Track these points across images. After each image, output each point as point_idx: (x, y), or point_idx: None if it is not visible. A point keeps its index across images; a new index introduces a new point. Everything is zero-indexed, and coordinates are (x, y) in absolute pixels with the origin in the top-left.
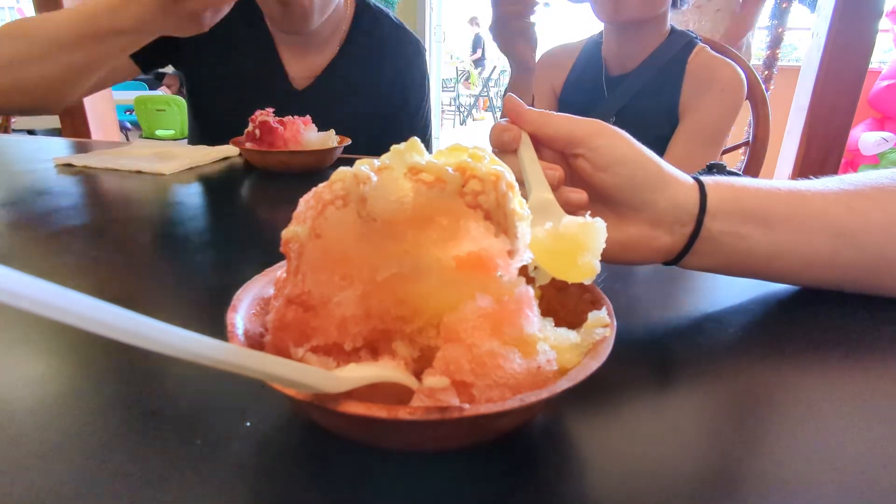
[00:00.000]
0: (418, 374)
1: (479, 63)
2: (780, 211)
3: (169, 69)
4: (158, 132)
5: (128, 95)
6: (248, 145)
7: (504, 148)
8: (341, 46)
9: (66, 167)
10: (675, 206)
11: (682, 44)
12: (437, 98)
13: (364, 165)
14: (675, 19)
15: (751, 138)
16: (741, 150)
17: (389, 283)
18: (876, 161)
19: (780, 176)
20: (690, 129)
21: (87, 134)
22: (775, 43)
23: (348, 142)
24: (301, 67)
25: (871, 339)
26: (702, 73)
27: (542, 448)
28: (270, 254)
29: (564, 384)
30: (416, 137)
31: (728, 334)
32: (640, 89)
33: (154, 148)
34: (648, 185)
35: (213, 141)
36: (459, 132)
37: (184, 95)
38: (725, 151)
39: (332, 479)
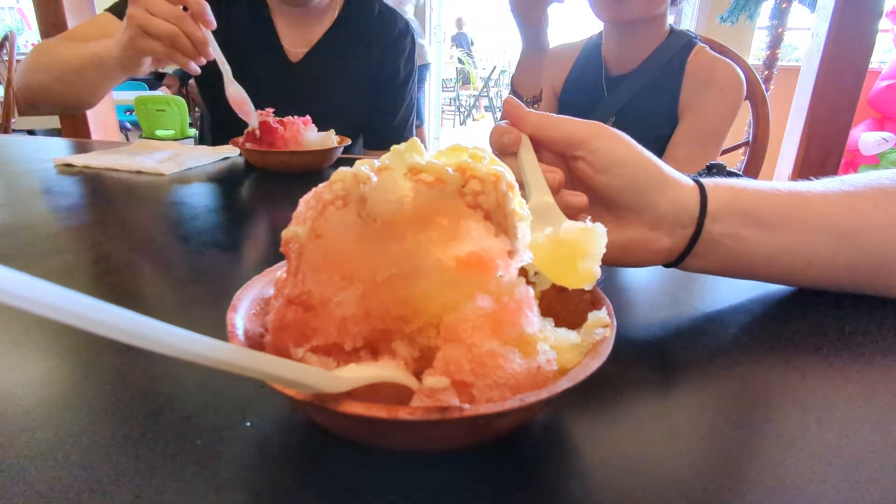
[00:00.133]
0: (418, 375)
1: (460, 42)
2: (780, 212)
3: (169, 69)
4: (158, 132)
5: (128, 95)
6: (248, 145)
7: (504, 150)
8: (335, 21)
9: (66, 167)
10: (675, 209)
11: (681, 44)
12: (437, 98)
13: (364, 166)
14: None
15: (751, 138)
16: (741, 150)
17: (389, 283)
18: (876, 161)
19: (780, 176)
20: (690, 130)
21: (87, 134)
22: (775, 43)
23: (348, 142)
24: (296, 40)
25: (872, 340)
26: (701, 73)
27: (542, 448)
28: (270, 254)
29: (564, 384)
30: (415, 138)
31: (728, 334)
32: (639, 89)
33: (154, 148)
34: (649, 187)
35: (223, 118)
36: (459, 132)
37: (184, 95)
38: (725, 151)
39: (333, 479)
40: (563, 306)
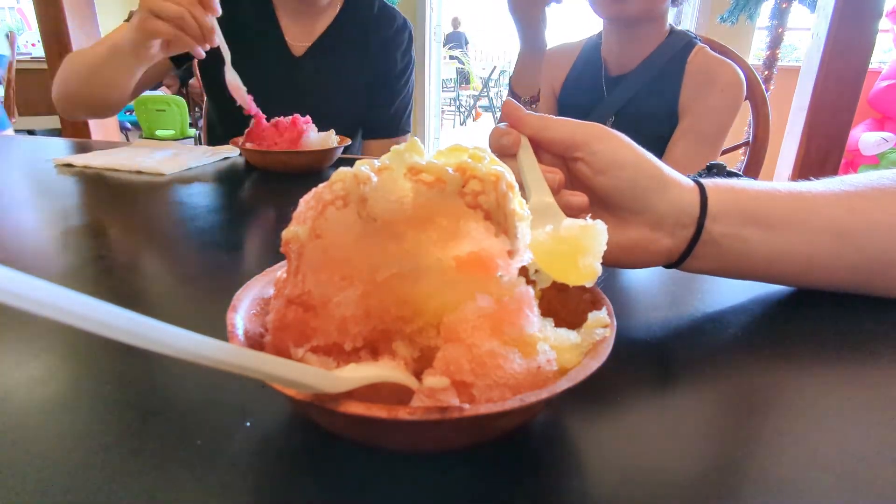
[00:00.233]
0: (418, 375)
1: (456, 41)
2: (780, 213)
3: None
4: (158, 132)
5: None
6: (249, 145)
7: (503, 152)
8: (336, 17)
9: (66, 167)
10: (675, 209)
11: (681, 44)
12: (437, 98)
13: (364, 166)
14: None
15: (751, 138)
16: (741, 150)
17: (389, 283)
18: (876, 161)
19: (780, 176)
20: (690, 130)
21: (87, 134)
22: (775, 43)
23: (348, 142)
24: (299, 34)
25: (872, 339)
26: (701, 73)
27: (542, 448)
28: (270, 254)
29: (564, 384)
30: (416, 138)
31: (728, 334)
32: (639, 89)
33: (154, 148)
34: (649, 188)
35: (226, 110)
36: (459, 132)
37: (184, 95)
38: (725, 151)
39: (332, 479)
40: (563, 306)
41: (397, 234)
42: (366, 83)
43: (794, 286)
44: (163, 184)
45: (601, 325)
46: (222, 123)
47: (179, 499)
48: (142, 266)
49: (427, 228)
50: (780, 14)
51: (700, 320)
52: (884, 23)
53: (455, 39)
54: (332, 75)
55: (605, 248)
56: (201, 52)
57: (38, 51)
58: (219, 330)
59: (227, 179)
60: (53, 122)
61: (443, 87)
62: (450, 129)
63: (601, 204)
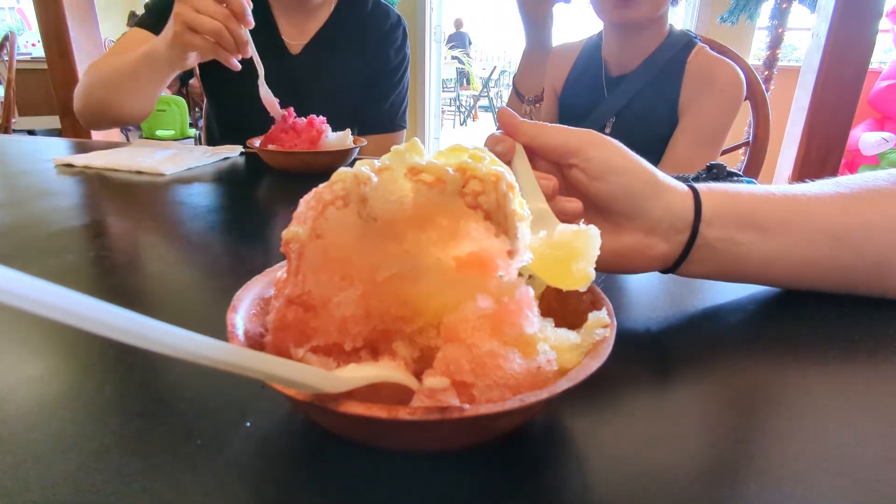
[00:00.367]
0: (418, 375)
1: (459, 42)
2: (775, 216)
3: None
4: (158, 132)
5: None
6: (272, 147)
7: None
8: (331, 15)
9: (66, 167)
10: (670, 214)
11: (681, 44)
12: (437, 98)
13: (364, 166)
14: None
15: (751, 138)
16: (741, 151)
17: (390, 283)
18: (876, 161)
19: (780, 176)
20: (690, 130)
21: (87, 134)
22: (775, 43)
23: (364, 142)
24: (294, 33)
25: (871, 339)
26: (701, 73)
27: (542, 448)
28: (270, 254)
29: (564, 384)
30: (416, 138)
31: (728, 334)
32: (639, 89)
33: (154, 148)
34: (643, 193)
35: (226, 112)
36: (459, 132)
37: (184, 95)
38: (725, 151)
39: (332, 479)
40: (563, 306)
41: (397, 235)
42: (361, 80)
43: (791, 289)
44: (163, 184)
45: (601, 325)
46: (221, 124)
47: (179, 499)
48: (142, 266)
49: (427, 228)
50: (780, 14)
51: (700, 320)
52: (884, 23)
53: (458, 40)
54: (328, 72)
55: (598, 252)
56: (237, 65)
57: (39, 51)
58: (219, 330)
59: (227, 179)
60: (53, 122)
61: (443, 88)
62: (450, 129)
63: (596, 210)
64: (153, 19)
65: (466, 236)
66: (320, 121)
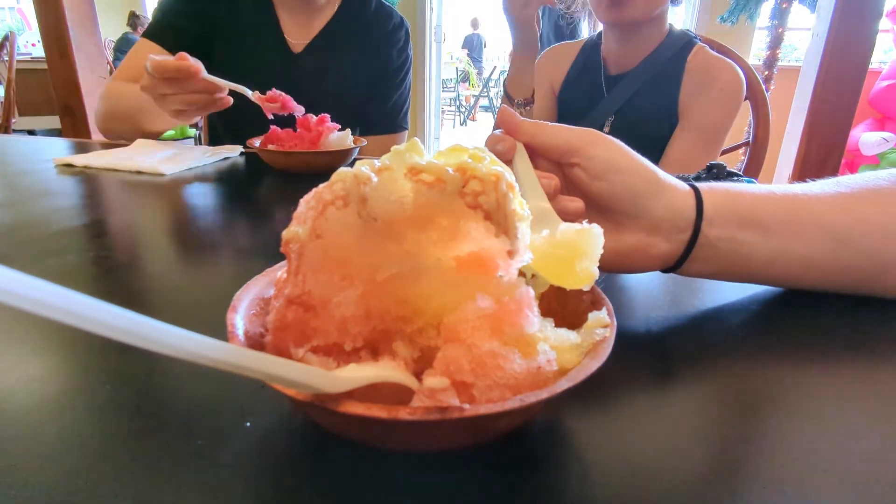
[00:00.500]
0: (418, 375)
1: (471, 44)
2: (776, 215)
3: None
4: None
5: None
6: (272, 147)
7: (499, 159)
8: (334, 15)
9: (66, 167)
10: (672, 213)
11: (681, 43)
12: (437, 98)
13: (364, 166)
14: None
15: (751, 138)
16: (741, 151)
17: (390, 283)
18: (876, 161)
19: (780, 176)
20: (690, 129)
21: (87, 134)
22: (775, 43)
23: (364, 142)
24: (298, 31)
25: (872, 338)
26: (701, 72)
27: (542, 448)
28: (270, 254)
29: (564, 384)
30: (416, 138)
31: (728, 334)
32: (639, 89)
33: (154, 148)
34: (645, 192)
35: (225, 111)
36: (459, 132)
37: None
38: (725, 151)
39: (332, 479)
40: (563, 306)
41: (397, 235)
42: (363, 80)
43: (791, 288)
44: (163, 184)
45: (601, 325)
46: (223, 123)
47: (179, 499)
48: (142, 266)
49: (427, 228)
50: (780, 14)
51: (700, 320)
52: (884, 23)
53: (471, 42)
54: (331, 72)
55: (601, 251)
56: (228, 100)
57: (39, 51)
58: (219, 330)
59: (227, 179)
60: (53, 122)
61: (443, 88)
62: (450, 129)
63: (597, 209)
64: (161, 30)
65: (466, 236)
66: (321, 118)
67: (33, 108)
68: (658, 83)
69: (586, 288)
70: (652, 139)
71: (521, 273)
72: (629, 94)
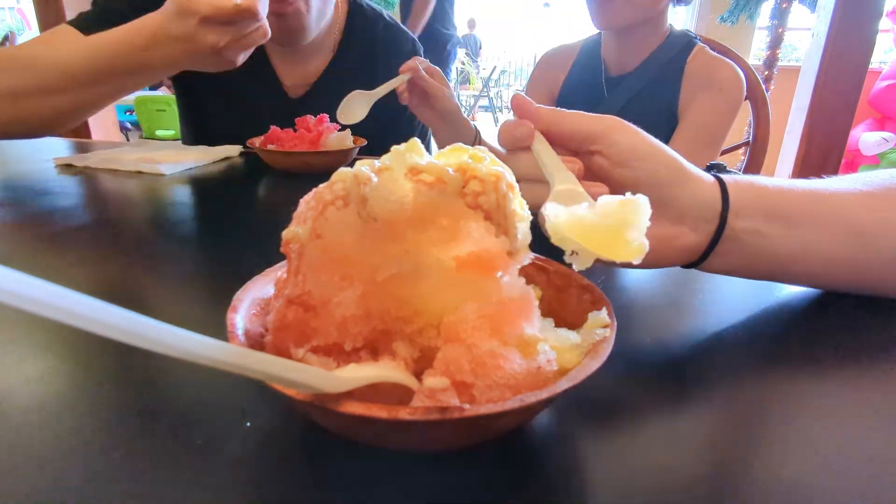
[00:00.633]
0: (418, 375)
1: (468, 44)
2: (801, 209)
3: None
4: (158, 132)
5: (128, 96)
6: (271, 147)
7: (517, 144)
8: (335, 52)
9: (66, 167)
10: (698, 203)
11: (681, 44)
12: None
13: (364, 166)
14: None
15: (751, 138)
16: (741, 150)
17: (390, 283)
18: (876, 161)
19: (780, 176)
20: (690, 130)
21: (87, 134)
22: (775, 43)
23: (364, 142)
24: (295, 75)
25: (876, 340)
26: (701, 73)
27: (542, 448)
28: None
29: (564, 384)
30: (416, 138)
31: (728, 335)
32: (639, 90)
33: (154, 148)
34: (670, 180)
35: (197, 112)
36: None
37: None
38: (725, 151)
39: (332, 479)
40: (564, 306)
41: (397, 235)
42: (378, 116)
43: (813, 286)
44: (163, 184)
45: (601, 325)
46: (194, 125)
47: (179, 499)
48: (142, 266)
49: (427, 229)
50: (780, 14)
51: (700, 320)
52: (884, 23)
53: (468, 42)
54: (332, 112)
55: (648, 223)
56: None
57: None
58: (219, 330)
59: (227, 179)
60: None
61: None
62: None
63: None
64: (98, 28)
65: (466, 236)
66: (319, 119)
67: None
68: (658, 84)
69: (637, 261)
70: None
71: (532, 259)
72: (630, 95)
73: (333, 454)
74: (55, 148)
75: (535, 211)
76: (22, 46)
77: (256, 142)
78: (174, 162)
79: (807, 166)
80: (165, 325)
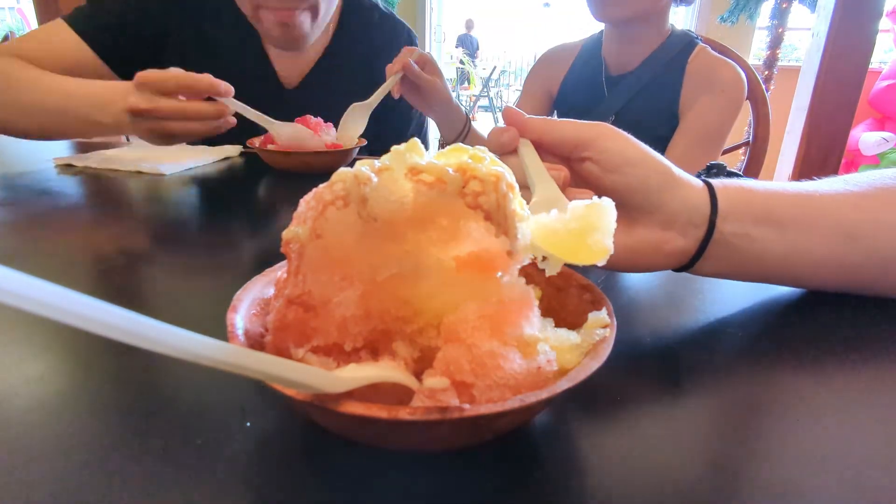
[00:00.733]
0: (418, 375)
1: (465, 44)
2: (790, 212)
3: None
4: None
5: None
6: (271, 147)
7: (503, 150)
8: (331, 41)
9: (66, 167)
10: (686, 208)
11: (682, 44)
12: None
13: (364, 166)
14: None
15: (751, 138)
16: (741, 150)
17: (390, 283)
18: (876, 161)
19: (780, 176)
20: (690, 130)
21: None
22: (775, 43)
23: (364, 143)
24: (290, 66)
25: (875, 341)
26: (702, 73)
27: (542, 448)
28: (271, 254)
29: (564, 384)
30: (416, 138)
31: (728, 335)
32: (640, 89)
33: (154, 148)
34: (660, 186)
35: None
36: None
37: None
38: (725, 151)
39: (332, 479)
40: (563, 306)
41: (398, 235)
42: (365, 95)
43: (805, 287)
44: (163, 184)
45: (601, 325)
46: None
47: (179, 499)
48: (142, 266)
49: (427, 229)
50: (780, 14)
51: (700, 320)
52: (884, 23)
53: (465, 42)
54: (332, 104)
55: (614, 225)
56: (231, 121)
57: None
58: (219, 330)
59: (227, 179)
60: None
61: None
62: None
63: None
64: (92, 25)
65: (466, 236)
66: (315, 121)
67: None
68: (659, 84)
69: (601, 263)
70: (653, 140)
71: (530, 259)
72: (630, 94)
73: (333, 454)
74: (55, 148)
75: None
76: (9, 67)
77: (256, 142)
78: (174, 162)
79: (807, 166)
80: (165, 325)
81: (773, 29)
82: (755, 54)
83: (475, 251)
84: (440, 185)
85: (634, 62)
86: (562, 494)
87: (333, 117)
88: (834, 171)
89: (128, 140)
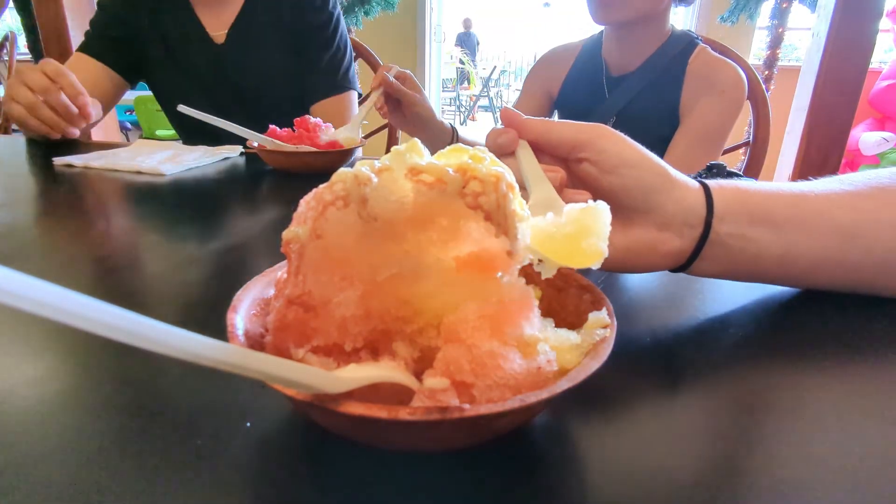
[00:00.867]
0: (418, 375)
1: (465, 43)
2: (786, 213)
3: None
4: (158, 132)
5: (128, 95)
6: (271, 147)
7: (501, 151)
8: None
9: (66, 167)
10: (682, 209)
11: (683, 44)
12: (437, 98)
13: (365, 167)
14: None
15: (751, 138)
16: (741, 150)
17: (390, 283)
18: (876, 161)
19: (780, 176)
20: (691, 130)
21: (87, 134)
22: (775, 43)
23: (365, 143)
24: (216, 21)
25: (875, 341)
26: (703, 73)
27: (542, 448)
28: (271, 254)
29: (564, 384)
30: (416, 139)
31: (728, 335)
32: (640, 90)
33: (154, 148)
34: (656, 187)
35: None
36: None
37: None
38: (725, 151)
39: (332, 479)
40: (563, 306)
41: (398, 235)
42: (290, 52)
43: (802, 287)
44: (163, 184)
45: (601, 325)
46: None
47: (179, 499)
48: (142, 266)
49: (427, 229)
50: (780, 14)
51: (700, 320)
52: (884, 23)
53: (465, 41)
54: (257, 54)
55: (609, 228)
56: (74, 132)
57: None
58: (219, 330)
59: (227, 179)
60: None
61: (443, 88)
62: None
63: None
64: (95, 43)
65: (466, 236)
66: (320, 124)
67: None
68: (660, 84)
69: (595, 266)
70: (653, 140)
71: (528, 264)
72: (631, 95)
73: (333, 454)
74: (55, 148)
75: None
76: None
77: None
78: (174, 162)
79: (807, 166)
80: (165, 325)
81: (773, 29)
82: (755, 54)
83: (475, 251)
84: (440, 185)
85: (635, 63)
86: (562, 494)
87: (260, 68)
88: (834, 171)
89: (128, 140)
